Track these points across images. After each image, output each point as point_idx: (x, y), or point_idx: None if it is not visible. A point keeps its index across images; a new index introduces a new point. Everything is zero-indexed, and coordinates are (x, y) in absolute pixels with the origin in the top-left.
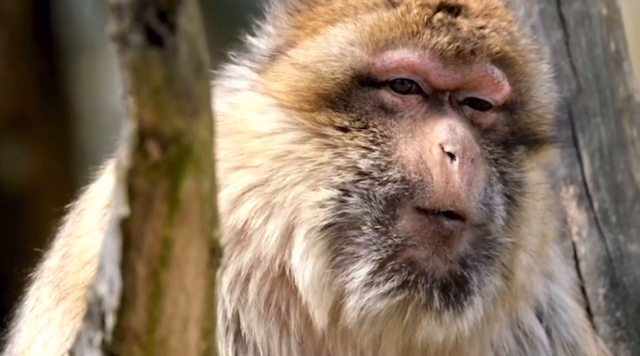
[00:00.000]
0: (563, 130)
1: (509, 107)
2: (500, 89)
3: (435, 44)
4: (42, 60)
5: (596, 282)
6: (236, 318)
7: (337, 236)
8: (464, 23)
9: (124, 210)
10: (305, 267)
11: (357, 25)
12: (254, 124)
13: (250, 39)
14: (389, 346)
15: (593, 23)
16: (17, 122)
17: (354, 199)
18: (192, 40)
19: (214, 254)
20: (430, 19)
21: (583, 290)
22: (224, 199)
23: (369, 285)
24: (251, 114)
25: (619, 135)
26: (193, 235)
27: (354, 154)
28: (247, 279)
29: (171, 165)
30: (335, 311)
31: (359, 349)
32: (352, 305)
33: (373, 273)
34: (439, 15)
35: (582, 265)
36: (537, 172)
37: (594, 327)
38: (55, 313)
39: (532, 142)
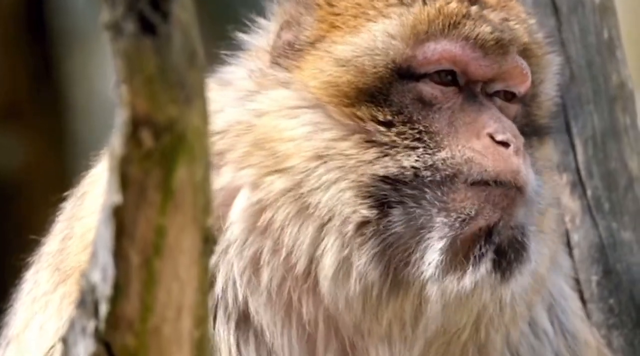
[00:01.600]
0: (556, 117)
1: (525, 99)
2: (526, 80)
3: (478, 35)
4: (36, 50)
5: (589, 269)
6: (245, 302)
7: (389, 233)
8: (493, 15)
9: (117, 198)
10: (346, 265)
11: (397, 19)
12: (290, 130)
13: (251, 35)
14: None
15: (586, 10)
16: (10, 112)
17: (406, 204)
18: (186, 29)
19: (207, 242)
20: (468, 11)
21: (576, 277)
22: (254, 206)
23: (447, 268)
24: (285, 119)
25: (612, 123)
26: (186, 223)
27: (402, 150)
28: (261, 265)
29: (164, 153)
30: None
31: (378, 335)
32: (431, 291)
33: (448, 255)
34: (475, 7)
35: (575, 253)
36: (544, 161)
37: (588, 315)
38: (53, 296)
39: (540, 132)
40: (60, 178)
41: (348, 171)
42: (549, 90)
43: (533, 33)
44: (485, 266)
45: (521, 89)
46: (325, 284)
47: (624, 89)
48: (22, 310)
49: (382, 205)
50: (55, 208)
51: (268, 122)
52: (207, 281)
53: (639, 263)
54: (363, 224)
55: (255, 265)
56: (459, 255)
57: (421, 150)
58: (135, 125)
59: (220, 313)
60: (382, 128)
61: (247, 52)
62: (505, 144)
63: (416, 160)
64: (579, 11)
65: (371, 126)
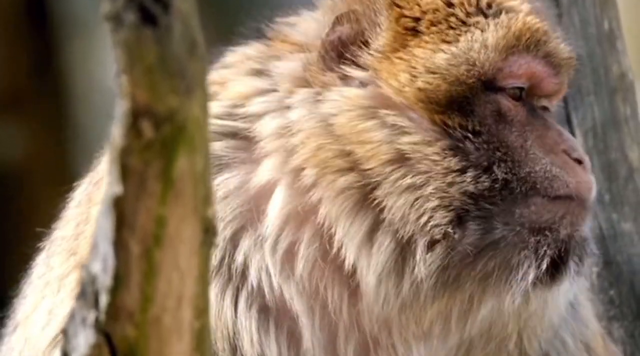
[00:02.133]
0: (556, 108)
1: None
2: (561, 96)
3: (559, 53)
4: (36, 40)
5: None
6: (279, 289)
7: (461, 247)
8: (557, 33)
9: (117, 189)
10: (400, 268)
11: (491, 31)
12: (368, 132)
13: (288, 27)
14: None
15: (586, 2)
16: (11, 101)
17: (487, 219)
18: (186, 19)
19: (208, 233)
20: (548, 28)
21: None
22: (296, 205)
23: (536, 283)
24: (362, 119)
25: (613, 114)
26: (187, 213)
27: (489, 161)
28: (296, 255)
29: (165, 143)
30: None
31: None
32: (510, 301)
33: (540, 272)
34: (548, 24)
35: None
36: None
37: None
38: (68, 280)
39: None
40: (61, 168)
41: (434, 177)
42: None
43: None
44: (570, 276)
45: (554, 103)
46: (370, 279)
47: (624, 80)
48: (32, 294)
49: (460, 219)
50: (58, 196)
51: (344, 123)
52: (207, 272)
53: None
54: (438, 240)
55: (289, 256)
56: (550, 270)
57: (510, 162)
58: (136, 115)
59: (241, 303)
60: (470, 136)
61: (283, 44)
62: (578, 161)
63: (508, 172)
64: (580, 3)
65: (459, 134)
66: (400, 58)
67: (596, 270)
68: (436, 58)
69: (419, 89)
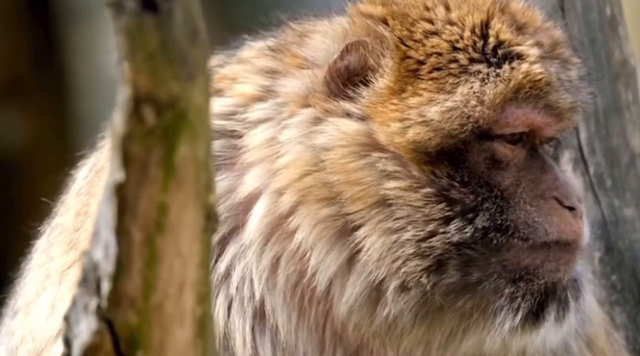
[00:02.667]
0: None
1: None
2: (571, 129)
3: (560, 104)
4: (38, 27)
5: (591, 246)
6: (262, 299)
7: (440, 293)
8: (568, 75)
9: (119, 175)
10: (373, 303)
11: (488, 84)
12: (357, 169)
13: (300, 46)
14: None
15: None
16: (12, 88)
17: (466, 264)
18: (187, 6)
19: (210, 219)
20: (550, 78)
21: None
22: (275, 217)
23: (515, 329)
24: (352, 156)
25: (615, 100)
26: (188, 200)
27: (472, 210)
28: (279, 268)
29: (166, 130)
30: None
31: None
32: (490, 345)
33: (518, 321)
34: (555, 71)
35: None
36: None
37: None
38: (68, 275)
39: (560, 142)
40: (62, 155)
41: (413, 225)
42: None
43: (582, 68)
44: (552, 321)
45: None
46: (342, 308)
47: (626, 66)
48: (34, 281)
49: (439, 265)
50: (58, 184)
51: (336, 159)
52: (209, 258)
53: None
54: (411, 286)
55: (273, 267)
56: (529, 317)
57: (493, 210)
58: (137, 102)
59: (235, 304)
60: (457, 185)
61: (294, 60)
62: (571, 208)
63: (487, 220)
64: None
65: (445, 182)
66: (395, 104)
67: (598, 255)
68: (430, 111)
69: (409, 141)
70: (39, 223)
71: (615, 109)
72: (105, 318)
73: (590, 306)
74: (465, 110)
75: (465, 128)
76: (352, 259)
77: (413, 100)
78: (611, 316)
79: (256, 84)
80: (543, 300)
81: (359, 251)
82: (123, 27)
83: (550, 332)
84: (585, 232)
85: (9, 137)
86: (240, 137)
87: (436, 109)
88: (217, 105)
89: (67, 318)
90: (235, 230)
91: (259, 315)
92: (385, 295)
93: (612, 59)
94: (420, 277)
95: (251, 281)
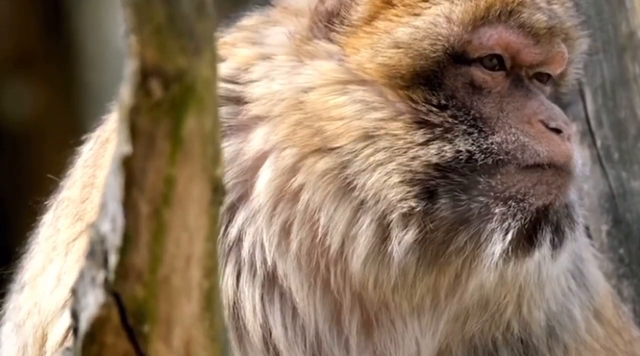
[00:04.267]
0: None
1: (556, 79)
2: (564, 64)
3: (533, 23)
4: (46, 0)
5: (599, 219)
6: (273, 265)
7: (435, 222)
8: (551, 4)
9: (126, 148)
10: (381, 248)
11: (458, 4)
12: (339, 107)
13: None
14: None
15: None
16: (21, 61)
17: (456, 191)
18: None
19: (217, 192)
20: None
21: (587, 227)
22: (283, 177)
23: (509, 255)
24: (334, 95)
25: (622, 72)
26: (195, 173)
27: (454, 133)
28: (291, 233)
29: (173, 103)
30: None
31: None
32: (486, 277)
33: (512, 244)
34: None
35: (585, 202)
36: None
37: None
38: (74, 246)
39: (565, 107)
40: (71, 127)
41: (396, 153)
42: (575, 69)
43: (572, 16)
44: (546, 247)
45: (558, 71)
46: (356, 264)
47: (633, 38)
48: (40, 255)
49: (430, 193)
50: (67, 156)
51: (316, 99)
52: (216, 231)
53: None
54: (408, 214)
55: (285, 233)
56: (521, 241)
57: (475, 133)
58: (145, 75)
59: (244, 273)
60: (435, 110)
61: (281, 11)
62: (557, 131)
63: (472, 144)
64: None
65: (423, 107)
66: (365, 31)
67: (606, 228)
68: (398, 32)
69: (381, 64)
70: (46, 197)
71: (622, 82)
72: (113, 291)
73: (595, 277)
74: (435, 28)
75: (435, 47)
76: (357, 206)
77: (382, 25)
78: (619, 289)
79: (252, 49)
80: (535, 223)
81: (358, 192)
82: (130, 1)
83: (546, 259)
84: (576, 154)
85: (18, 109)
86: (245, 103)
87: (404, 30)
88: (221, 68)
89: (74, 291)
90: (245, 196)
91: (270, 282)
92: (390, 237)
93: (619, 31)
94: (413, 206)
95: (262, 246)
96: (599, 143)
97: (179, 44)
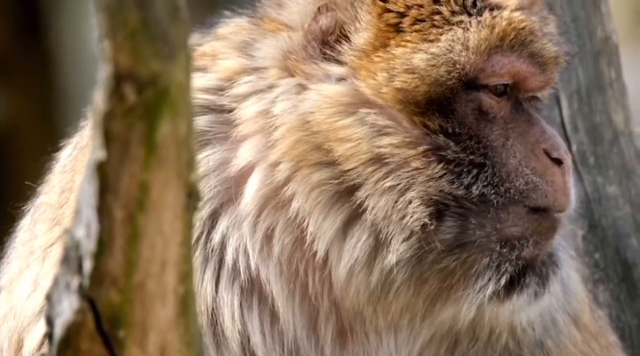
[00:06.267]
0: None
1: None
2: (552, 85)
3: (545, 53)
4: (23, 5)
5: (575, 224)
6: (256, 270)
7: (436, 240)
8: (550, 29)
9: (101, 154)
10: (370, 262)
11: (472, 31)
12: (346, 128)
13: (275, 10)
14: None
15: None
16: None
17: (464, 217)
18: None
19: (192, 197)
20: (534, 27)
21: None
22: (271, 188)
23: (490, 297)
24: (341, 117)
25: (598, 77)
26: (170, 178)
27: (468, 168)
28: (274, 238)
29: (148, 108)
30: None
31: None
32: (466, 312)
33: (495, 289)
34: (536, 19)
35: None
36: None
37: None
38: (52, 251)
39: (541, 111)
40: (48, 133)
41: (416, 183)
42: (555, 84)
43: (562, 40)
44: (528, 295)
45: (546, 93)
46: (341, 272)
47: (608, 43)
48: (18, 260)
49: (440, 212)
50: (45, 160)
51: (323, 120)
52: (191, 237)
53: (625, 218)
54: (415, 232)
55: (267, 238)
56: (506, 285)
57: (489, 171)
58: (119, 80)
59: (224, 279)
60: (451, 143)
61: (270, 25)
62: (559, 161)
63: (484, 186)
64: None
65: (441, 139)
66: (380, 57)
67: (582, 233)
68: (415, 58)
69: (397, 89)
70: (24, 203)
71: (598, 87)
72: (88, 297)
73: (574, 282)
74: (451, 56)
75: (452, 74)
76: (351, 220)
77: (398, 51)
78: (595, 294)
79: (237, 61)
80: (523, 271)
81: (359, 212)
82: (104, 5)
83: (524, 307)
84: (574, 194)
85: None
86: (230, 111)
87: (422, 57)
88: (203, 81)
89: (49, 297)
90: (228, 203)
91: (250, 288)
92: (387, 249)
93: (594, 36)
94: (424, 222)
95: (246, 252)
96: (574, 148)
97: (153, 48)
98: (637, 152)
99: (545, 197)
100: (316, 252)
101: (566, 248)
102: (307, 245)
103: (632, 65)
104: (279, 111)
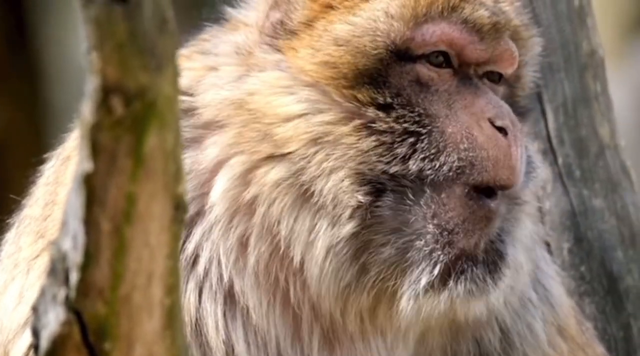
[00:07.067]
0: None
1: (509, 80)
2: (515, 63)
3: (476, 19)
4: (10, 16)
5: (560, 237)
6: (230, 281)
7: (373, 215)
8: (499, 2)
9: (88, 165)
10: (329, 265)
11: (397, 0)
12: (284, 106)
13: (236, 10)
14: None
15: None
16: None
17: (400, 195)
18: None
19: (178, 209)
20: None
21: (548, 244)
22: (237, 188)
23: (425, 288)
24: (279, 96)
25: (583, 90)
26: (157, 190)
27: (401, 141)
28: (248, 247)
29: (135, 120)
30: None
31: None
32: (405, 306)
33: (429, 279)
34: None
35: (547, 220)
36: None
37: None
38: (36, 263)
39: (522, 113)
40: (34, 144)
41: (347, 160)
42: (531, 72)
43: (521, 15)
44: (467, 284)
45: (509, 70)
46: (313, 270)
47: (594, 57)
48: (2, 273)
49: (377, 190)
50: (32, 171)
51: (261, 99)
52: (178, 249)
53: (610, 231)
54: (355, 209)
55: (242, 247)
56: (442, 274)
57: (425, 140)
58: (106, 92)
59: (206, 289)
60: (381, 114)
61: (232, 24)
62: (503, 130)
63: (421, 159)
64: None
65: (371, 111)
66: (307, 33)
67: (567, 246)
68: (337, 29)
69: (323, 63)
70: (9, 215)
71: (584, 100)
72: (74, 309)
73: (558, 293)
74: (375, 24)
75: (376, 44)
76: (316, 215)
77: (323, 25)
78: (580, 307)
79: (203, 61)
80: (459, 260)
81: (315, 198)
82: (92, 17)
83: (464, 299)
84: (519, 165)
85: None
86: (198, 112)
87: (343, 27)
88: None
89: (35, 309)
90: (202, 210)
91: (230, 298)
92: (340, 233)
93: (580, 49)
94: (361, 200)
95: (219, 262)
96: (560, 161)
97: (141, 60)
98: (623, 165)
99: (484, 171)
100: (292, 257)
101: (548, 259)
102: (282, 250)
103: (617, 79)
104: (225, 94)
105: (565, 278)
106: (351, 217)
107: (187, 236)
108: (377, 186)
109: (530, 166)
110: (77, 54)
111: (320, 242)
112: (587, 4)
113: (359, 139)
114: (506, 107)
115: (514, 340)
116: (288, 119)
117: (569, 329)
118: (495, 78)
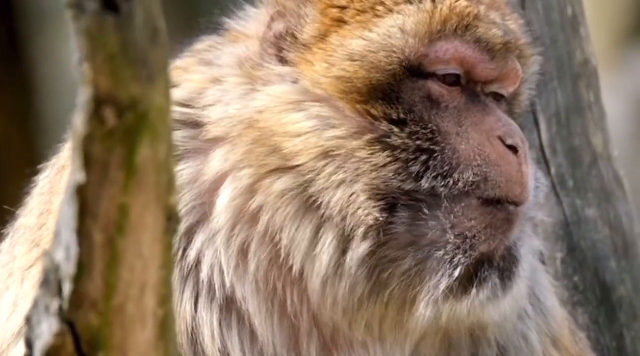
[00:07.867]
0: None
1: (508, 98)
2: (517, 81)
3: (489, 38)
4: (2, 28)
5: (554, 247)
6: (231, 288)
7: (392, 253)
8: (496, 16)
9: (80, 176)
10: (339, 265)
11: (412, 16)
12: (295, 123)
13: (236, 21)
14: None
15: None
16: None
17: (415, 210)
18: (148, 7)
19: (171, 220)
20: (479, 12)
21: (541, 254)
22: (242, 198)
23: (445, 293)
24: (289, 113)
25: (576, 100)
26: (149, 201)
27: (414, 159)
28: (249, 254)
29: (127, 131)
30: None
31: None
32: (423, 312)
33: (454, 281)
34: (483, 7)
35: (540, 230)
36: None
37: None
38: (31, 272)
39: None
40: (28, 155)
41: (361, 174)
42: (529, 89)
43: (525, 34)
44: (487, 290)
45: (511, 89)
46: (316, 282)
47: (587, 66)
48: None
49: (391, 205)
50: (25, 183)
51: (271, 117)
52: (170, 259)
53: (604, 240)
54: (370, 227)
55: (243, 254)
56: (462, 280)
57: (438, 157)
58: (98, 103)
59: (202, 298)
60: (395, 129)
61: (232, 36)
62: (514, 148)
63: (434, 177)
64: None
65: (385, 126)
66: (321, 48)
67: (560, 256)
68: (353, 44)
69: (337, 78)
70: (3, 226)
71: (577, 109)
72: (67, 320)
73: (552, 304)
74: (390, 41)
75: (391, 60)
76: (319, 224)
77: (337, 40)
78: (574, 317)
79: (204, 73)
80: (480, 265)
81: (322, 210)
82: (84, 28)
83: (484, 304)
84: (530, 182)
85: None
86: (202, 126)
87: (359, 42)
88: (176, 93)
89: (28, 320)
90: (204, 218)
91: (228, 306)
92: (352, 249)
93: (573, 59)
94: (377, 217)
95: (220, 269)
96: (553, 171)
97: (133, 72)
98: (616, 175)
99: (497, 187)
100: (292, 266)
101: (541, 269)
102: (282, 259)
103: (611, 88)
104: (233, 111)
105: (559, 288)
106: (365, 236)
107: (188, 244)
108: (391, 202)
109: (538, 182)
110: (70, 66)
111: (325, 257)
112: (580, 13)
113: (372, 153)
114: (515, 125)
115: (509, 351)
116: (298, 135)
117: (563, 340)
118: (498, 97)
